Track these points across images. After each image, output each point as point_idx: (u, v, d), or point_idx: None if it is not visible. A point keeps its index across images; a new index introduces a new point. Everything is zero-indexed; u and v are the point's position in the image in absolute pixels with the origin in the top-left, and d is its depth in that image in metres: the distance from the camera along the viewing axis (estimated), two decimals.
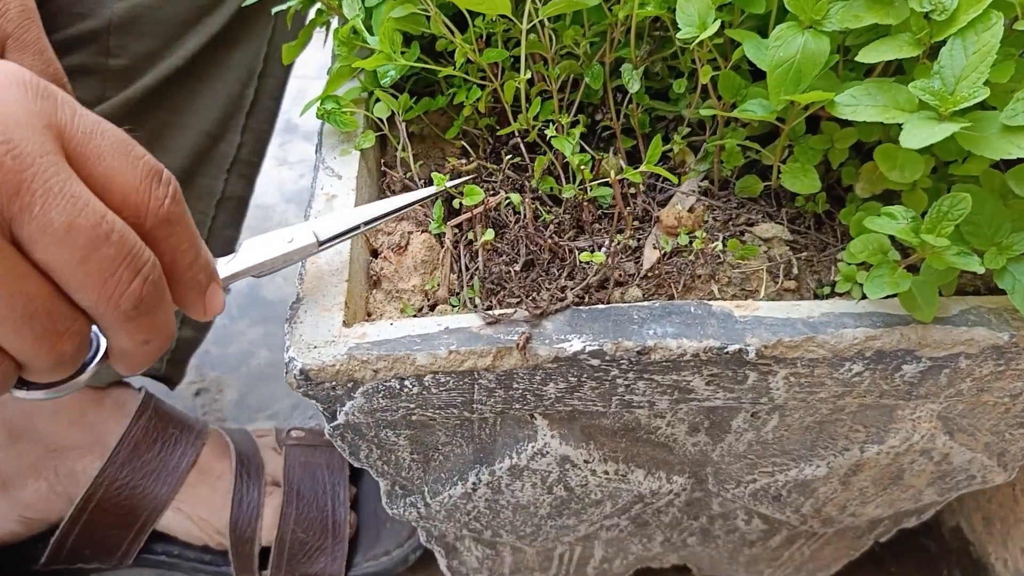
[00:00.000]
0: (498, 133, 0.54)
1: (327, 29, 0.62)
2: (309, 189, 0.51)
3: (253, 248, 0.40)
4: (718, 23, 0.41)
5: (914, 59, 0.40)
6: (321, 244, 0.42)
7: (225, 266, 0.39)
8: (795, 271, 0.47)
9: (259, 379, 0.94)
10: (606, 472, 0.49)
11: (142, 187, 0.31)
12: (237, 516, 0.66)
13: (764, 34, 0.48)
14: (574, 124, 0.52)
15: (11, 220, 0.28)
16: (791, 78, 0.39)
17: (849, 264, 0.44)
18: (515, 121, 0.53)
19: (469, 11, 0.49)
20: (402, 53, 0.49)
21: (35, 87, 0.29)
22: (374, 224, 0.44)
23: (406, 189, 0.52)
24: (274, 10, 0.59)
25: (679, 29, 0.43)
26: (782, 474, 0.52)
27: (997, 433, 0.50)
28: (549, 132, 0.50)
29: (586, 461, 0.48)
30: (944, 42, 0.37)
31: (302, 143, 1.24)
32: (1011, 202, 0.39)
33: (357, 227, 0.43)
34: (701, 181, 0.50)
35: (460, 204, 0.47)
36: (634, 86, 0.47)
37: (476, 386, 0.42)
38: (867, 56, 0.39)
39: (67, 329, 0.31)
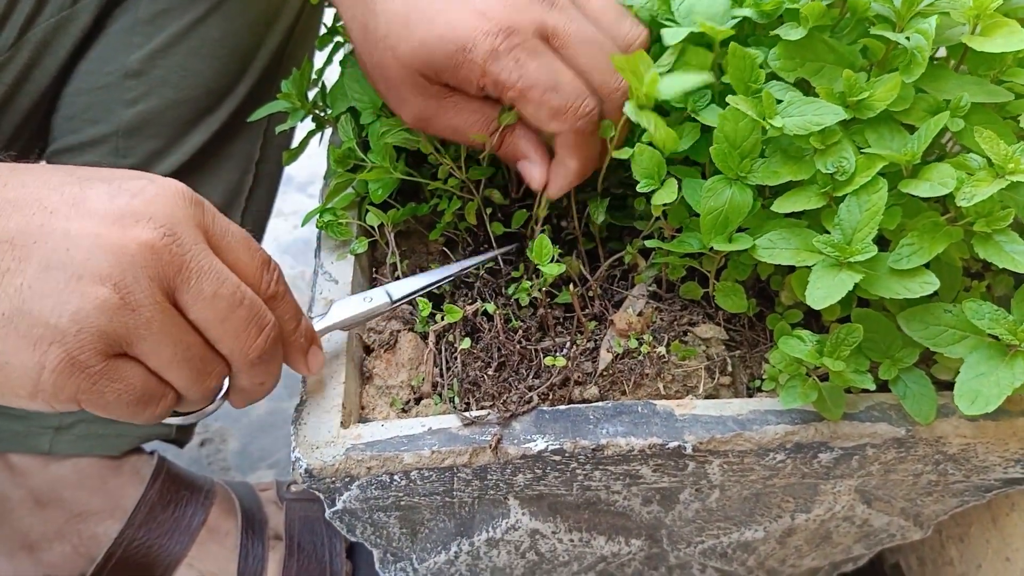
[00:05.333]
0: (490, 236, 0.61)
1: (318, 126, 0.69)
2: (306, 240, 0.59)
3: (340, 307, 0.51)
4: (675, 185, 0.48)
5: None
6: (394, 302, 0.53)
7: (319, 323, 0.50)
8: (730, 368, 0.54)
9: (260, 430, 1.01)
10: (572, 540, 0.57)
11: (257, 272, 0.42)
12: (244, 570, 0.73)
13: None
14: (542, 231, 0.60)
15: (175, 290, 0.38)
16: (720, 223, 0.47)
17: (773, 366, 0.51)
18: (491, 227, 0.61)
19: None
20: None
21: (189, 196, 0.40)
22: (431, 287, 0.55)
23: None
24: (262, 114, 0.67)
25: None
26: (726, 536, 0.60)
27: (910, 500, 0.58)
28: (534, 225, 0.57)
29: (553, 532, 0.55)
30: (844, 196, 0.45)
31: (296, 194, 1.31)
32: None
33: (420, 290, 0.54)
34: (649, 285, 0.57)
35: (441, 311, 0.54)
36: (599, 217, 0.55)
37: (456, 478, 0.49)
38: (781, 206, 0.46)
39: (213, 370, 0.41)
